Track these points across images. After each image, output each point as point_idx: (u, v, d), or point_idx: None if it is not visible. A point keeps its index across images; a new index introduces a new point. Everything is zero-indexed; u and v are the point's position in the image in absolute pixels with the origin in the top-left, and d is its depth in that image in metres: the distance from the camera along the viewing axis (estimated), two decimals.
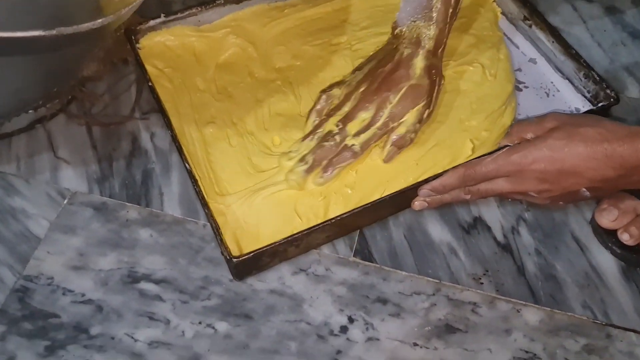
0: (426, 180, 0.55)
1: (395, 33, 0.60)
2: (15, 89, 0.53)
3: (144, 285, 0.55)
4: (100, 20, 0.46)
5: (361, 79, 0.60)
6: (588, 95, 0.65)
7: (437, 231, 0.58)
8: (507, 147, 0.53)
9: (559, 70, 0.68)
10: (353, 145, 0.57)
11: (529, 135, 0.54)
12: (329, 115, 0.59)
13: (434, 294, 0.55)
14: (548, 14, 0.74)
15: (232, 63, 0.67)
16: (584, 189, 0.51)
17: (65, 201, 0.59)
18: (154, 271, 0.55)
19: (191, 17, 0.68)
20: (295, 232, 0.53)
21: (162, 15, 0.67)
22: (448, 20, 0.58)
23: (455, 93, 0.64)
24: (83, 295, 0.54)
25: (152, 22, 0.67)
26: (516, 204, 0.60)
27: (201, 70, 0.66)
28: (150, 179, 0.61)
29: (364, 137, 0.57)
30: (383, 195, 0.55)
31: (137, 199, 0.60)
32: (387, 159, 0.58)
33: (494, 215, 0.60)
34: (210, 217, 0.53)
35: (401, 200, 0.56)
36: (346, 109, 0.58)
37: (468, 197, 0.55)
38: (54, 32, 0.44)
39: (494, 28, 0.70)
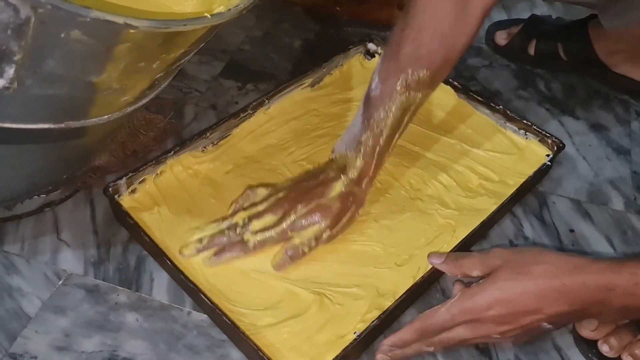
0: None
1: (330, 158, 0.65)
2: (27, 173, 0.58)
3: None
4: (106, 117, 0.51)
5: (285, 186, 0.64)
6: None
7: None
8: (458, 295, 0.52)
9: None
10: (248, 241, 0.61)
11: (475, 273, 0.53)
12: (244, 208, 0.63)
13: None
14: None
15: None
16: (545, 324, 0.51)
17: (60, 282, 0.62)
18: (135, 355, 0.56)
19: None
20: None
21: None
22: (375, 157, 0.61)
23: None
24: None
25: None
26: None
27: None
28: (144, 264, 0.64)
29: (260, 237, 0.61)
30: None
31: (128, 283, 0.62)
32: (278, 267, 0.61)
33: None
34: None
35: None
36: (260, 208, 0.62)
37: (431, 349, 0.54)
38: (62, 125, 0.49)
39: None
